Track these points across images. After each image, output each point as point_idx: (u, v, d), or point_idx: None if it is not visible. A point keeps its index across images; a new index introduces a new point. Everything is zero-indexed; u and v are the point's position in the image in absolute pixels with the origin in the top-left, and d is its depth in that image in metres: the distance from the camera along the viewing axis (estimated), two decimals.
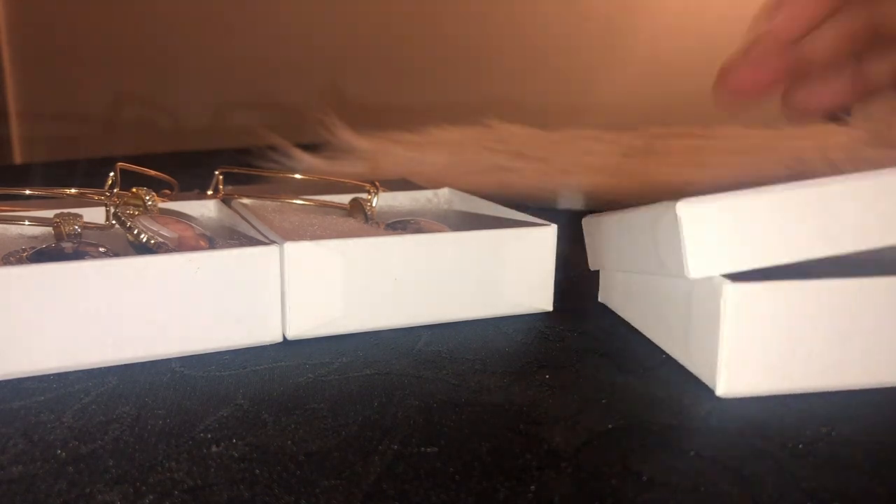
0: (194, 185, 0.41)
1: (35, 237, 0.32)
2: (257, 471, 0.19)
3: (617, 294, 0.32)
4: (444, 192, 0.41)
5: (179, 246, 0.29)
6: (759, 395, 0.24)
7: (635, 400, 0.23)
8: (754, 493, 0.18)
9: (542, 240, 0.31)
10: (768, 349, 0.23)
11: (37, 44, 1.34)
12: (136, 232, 0.29)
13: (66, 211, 0.30)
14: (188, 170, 0.77)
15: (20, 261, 0.27)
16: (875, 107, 0.64)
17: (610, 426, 0.22)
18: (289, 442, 0.21)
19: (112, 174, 0.32)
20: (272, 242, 0.28)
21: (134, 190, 0.32)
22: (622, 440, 0.21)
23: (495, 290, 0.30)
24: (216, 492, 0.19)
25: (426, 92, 1.41)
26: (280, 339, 0.28)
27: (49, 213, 0.30)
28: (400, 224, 0.34)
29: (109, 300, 0.25)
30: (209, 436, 0.21)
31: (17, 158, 1.34)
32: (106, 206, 0.31)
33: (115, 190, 0.31)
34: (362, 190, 0.38)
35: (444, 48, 1.44)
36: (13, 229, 0.32)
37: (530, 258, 0.31)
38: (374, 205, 0.37)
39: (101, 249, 0.28)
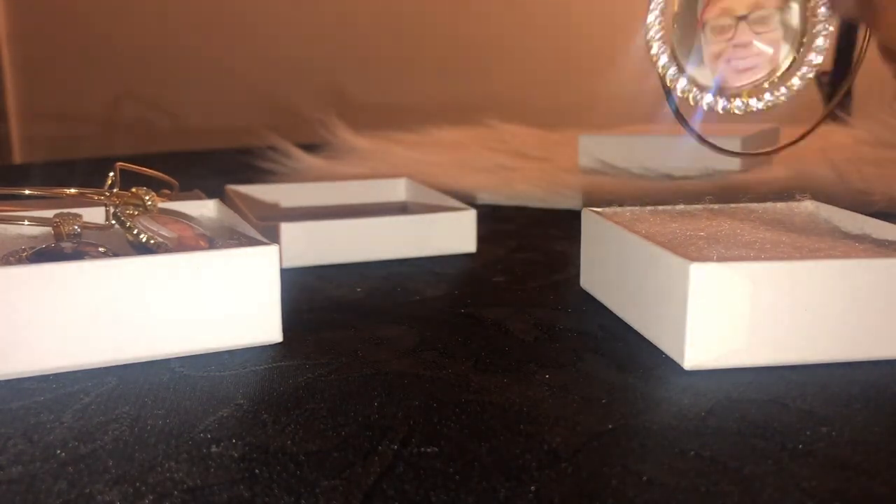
0: (194, 186, 0.41)
1: (35, 237, 0.32)
2: (257, 471, 0.19)
3: (597, 281, 0.33)
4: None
5: (179, 246, 0.29)
6: (723, 367, 0.25)
7: (635, 400, 0.23)
8: (754, 493, 0.18)
9: None
10: (732, 326, 0.25)
11: (37, 44, 1.34)
12: (135, 232, 0.29)
13: (65, 211, 0.30)
14: (188, 170, 0.77)
15: (20, 261, 0.27)
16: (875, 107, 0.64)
17: (610, 426, 0.22)
18: (288, 442, 0.21)
19: (112, 174, 0.32)
20: (271, 243, 0.28)
21: (133, 190, 0.32)
22: (622, 440, 0.21)
23: None
24: (216, 492, 0.19)
25: (426, 92, 1.41)
26: (280, 339, 0.28)
27: (49, 213, 0.30)
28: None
29: (109, 300, 0.25)
30: (209, 436, 0.21)
31: (17, 158, 1.34)
32: (105, 206, 0.31)
33: (114, 190, 0.31)
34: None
35: (444, 48, 1.44)
36: (13, 229, 0.32)
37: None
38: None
39: (101, 249, 0.28)
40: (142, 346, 0.26)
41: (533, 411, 0.23)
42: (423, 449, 0.21)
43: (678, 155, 0.59)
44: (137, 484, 0.19)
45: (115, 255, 0.28)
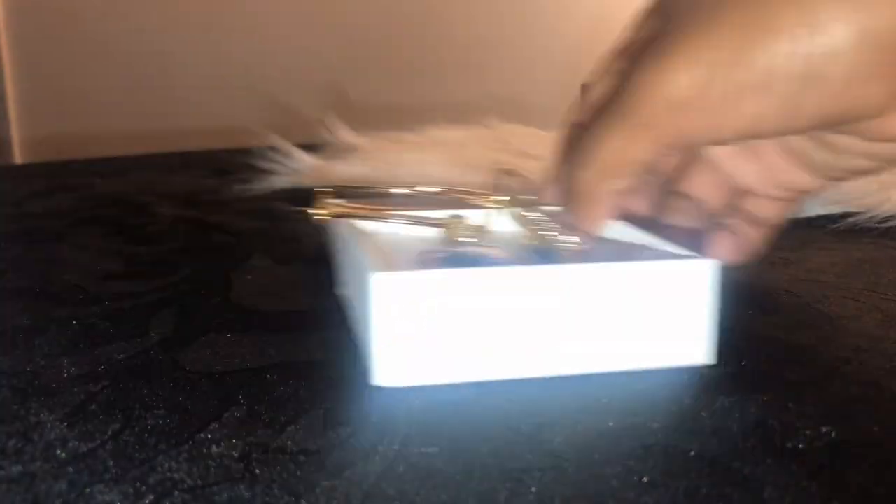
0: (194, 185, 0.41)
1: (423, 239, 0.31)
2: (257, 471, 0.19)
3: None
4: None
5: (582, 253, 0.27)
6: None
7: (635, 400, 0.23)
8: (754, 493, 0.18)
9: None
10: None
11: (37, 44, 1.34)
12: (543, 235, 0.28)
13: (457, 212, 0.31)
14: (188, 170, 0.77)
15: (434, 263, 0.27)
16: None
17: (610, 426, 0.22)
18: (289, 442, 0.21)
19: (499, 175, 0.31)
20: (697, 256, 0.26)
21: (518, 191, 0.31)
22: (623, 441, 0.21)
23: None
24: (216, 492, 0.19)
25: (426, 92, 1.41)
26: (713, 361, 0.26)
27: (440, 214, 0.31)
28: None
29: (540, 308, 0.24)
30: (209, 436, 0.21)
31: (17, 159, 1.34)
32: (488, 207, 0.31)
33: (503, 195, 0.30)
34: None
35: (444, 48, 1.44)
36: (393, 229, 0.32)
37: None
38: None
39: (497, 252, 0.28)
40: (556, 361, 0.24)
41: (533, 411, 0.23)
42: (423, 449, 0.20)
43: None
44: (137, 484, 0.19)
45: (516, 259, 0.27)
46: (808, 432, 0.21)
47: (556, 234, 0.28)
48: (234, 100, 1.38)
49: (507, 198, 0.31)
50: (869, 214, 0.46)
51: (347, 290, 0.31)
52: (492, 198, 0.31)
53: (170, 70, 1.38)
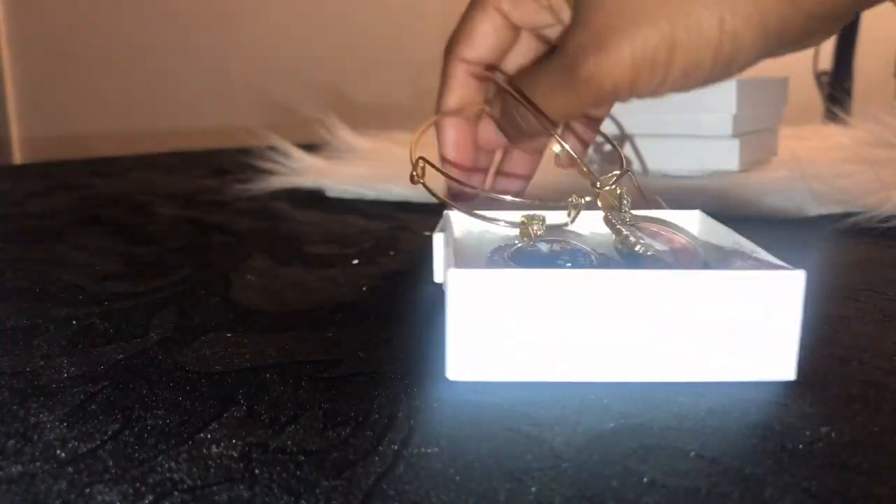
0: (194, 185, 0.41)
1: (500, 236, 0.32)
2: (257, 471, 0.19)
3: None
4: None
5: (673, 259, 0.26)
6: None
7: (635, 400, 0.23)
8: (754, 493, 0.18)
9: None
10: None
11: (37, 44, 1.34)
12: (630, 239, 0.27)
13: (532, 212, 0.31)
14: (188, 170, 0.77)
15: (505, 261, 0.27)
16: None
17: (611, 426, 0.22)
18: (289, 442, 0.21)
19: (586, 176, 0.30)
20: (789, 267, 0.25)
21: (608, 188, 0.30)
22: (623, 441, 0.21)
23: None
24: (216, 492, 0.19)
25: (426, 92, 1.41)
26: (793, 377, 0.25)
27: (513, 214, 0.31)
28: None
29: (626, 312, 0.24)
30: (209, 436, 0.21)
31: (17, 158, 1.34)
32: (569, 209, 0.31)
33: (586, 194, 0.30)
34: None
35: (444, 48, 1.44)
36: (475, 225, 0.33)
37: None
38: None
39: (569, 249, 0.28)
40: (631, 367, 0.24)
41: (533, 412, 0.23)
42: (423, 449, 0.20)
43: (677, 155, 0.59)
44: (137, 484, 0.19)
45: (591, 261, 0.27)
46: (807, 432, 0.21)
47: (640, 237, 0.27)
48: (234, 100, 1.38)
49: (589, 198, 0.30)
50: (869, 214, 0.46)
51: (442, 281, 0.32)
52: (573, 197, 0.30)
53: (169, 70, 1.38)
